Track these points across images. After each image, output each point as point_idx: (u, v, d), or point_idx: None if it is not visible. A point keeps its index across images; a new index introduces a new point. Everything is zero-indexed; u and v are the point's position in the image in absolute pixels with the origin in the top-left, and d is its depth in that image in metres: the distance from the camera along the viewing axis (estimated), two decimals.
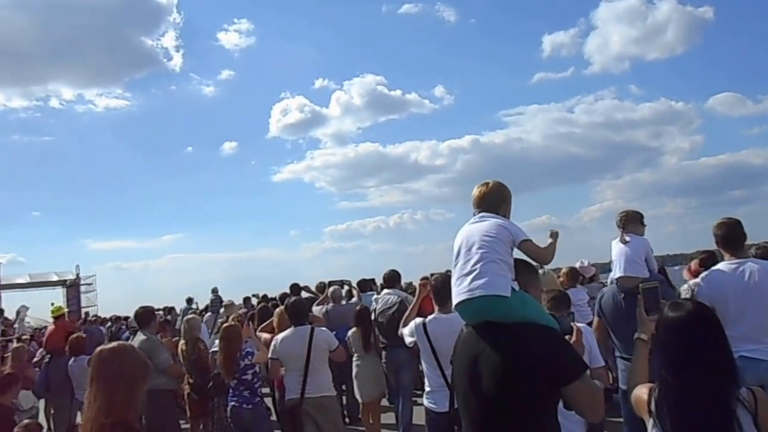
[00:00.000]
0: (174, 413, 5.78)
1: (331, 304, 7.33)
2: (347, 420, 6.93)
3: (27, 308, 17.39)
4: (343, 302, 7.48)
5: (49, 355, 7.34)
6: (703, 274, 3.54)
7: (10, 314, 17.80)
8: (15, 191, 51.31)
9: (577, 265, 7.06)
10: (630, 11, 70.78)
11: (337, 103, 59.53)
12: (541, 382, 1.97)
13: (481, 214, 2.30)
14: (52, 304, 10.20)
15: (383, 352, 6.24)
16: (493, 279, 2.06)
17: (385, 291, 6.54)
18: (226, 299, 10.94)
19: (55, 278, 26.96)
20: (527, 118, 73.22)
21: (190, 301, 13.57)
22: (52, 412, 7.22)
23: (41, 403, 6.89)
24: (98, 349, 2.32)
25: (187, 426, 6.27)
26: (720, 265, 3.44)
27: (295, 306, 4.98)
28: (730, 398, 1.74)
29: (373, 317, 6.35)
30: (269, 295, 9.89)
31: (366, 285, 8.57)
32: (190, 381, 5.94)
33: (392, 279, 6.69)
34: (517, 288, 2.11)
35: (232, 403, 4.87)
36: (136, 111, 56.54)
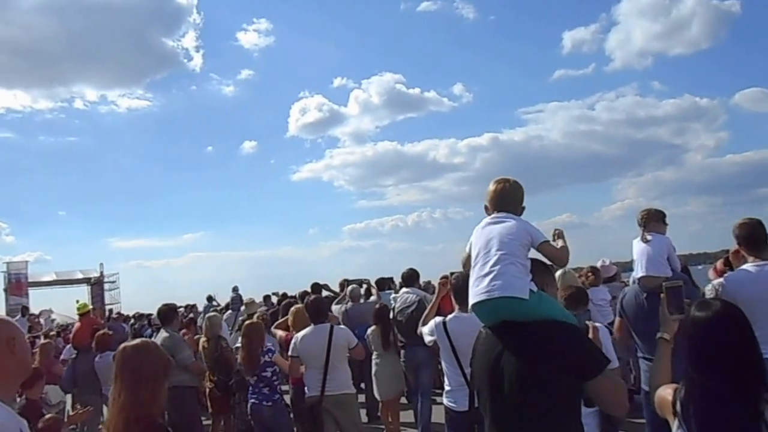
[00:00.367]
0: (196, 409, 5.86)
1: (349, 303, 7.36)
2: (366, 418, 6.96)
3: (50, 311, 17.83)
4: (362, 301, 7.50)
5: (75, 351, 7.51)
6: (727, 274, 3.47)
7: (37, 311, 18.25)
8: (42, 191, 52.66)
9: (598, 264, 6.97)
10: (653, 6, 69.55)
11: (355, 102, 59.71)
12: (563, 378, 1.96)
13: (499, 214, 2.26)
14: (77, 301, 10.40)
15: (402, 351, 6.24)
16: (512, 281, 2.05)
17: (404, 290, 6.55)
18: (246, 297, 11.08)
19: (80, 276, 27.55)
20: (547, 116, 72.49)
21: (210, 299, 13.76)
22: (78, 407, 7.37)
23: (69, 399, 7.04)
24: (122, 346, 2.37)
25: (209, 422, 6.36)
26: (746, 266, 3.36)
27: (315, 304, 5.01)
28: (758, 399, 1.71)
29: (391, 316, 6.36)
30: (288, 294, 9.96)
31: (384, 284, 8.59)
32: (212, 378, 6.02)
33: (411, 278, 6.69)
34: (535, 289, 2.09)
35: (252, 400, 4.93)
36: (158, 111, 57.47)
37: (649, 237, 3.82)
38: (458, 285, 3.84)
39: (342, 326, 5.05)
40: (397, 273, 7.96)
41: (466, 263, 2.32)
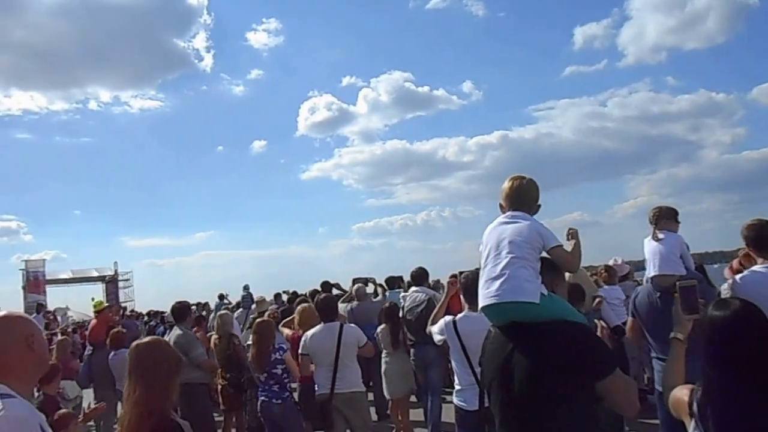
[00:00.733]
0: (208, 406, 5.92)
1: (355, 302, 7.38)
2: (376, 416, 6.97)
3: (66, 309, 18.14)
4: (371, 300, 7.52)
5: (91, 348, 7.63)
6: (740, 275, 3.42)
7: (54, 307, 18.56)
8: (58, 191, 53.38)
9: (611, 262, 6.92)
10: (667, 0, 68.53)
11: (364, 101, 59.49)
12: (574, 378, 1.95)
13: (514, 213, 2.23)
14: (93, 299, 10.57)
15: (412, 350, 6.25)
16: (522, 285, 2.04)
17: (413, 289, 6.54)
18: (256, 296, 11.15)
19: (95, 274, 27.95)
20: (558, 113, 71.86)
21: (222, 297, 13.85)
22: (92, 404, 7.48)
23: (91, 394, 7.14)
24: (134, 343, 2.41)
25: (220, 419, 6.42)
26: (755, 267, 3.30)
27: (324, 302, 5.04)
28: None
29: (401, 314, 6.37)
30: (298, 292, 10.01)
31: (394, 282, 8.59)
32: (224, 375, 6.08)
33: (420, 276, 6.68)
34: (545, 291, 2.08)
35: (262, 397, 4.96)
36: (169, 111, 57.89)
37: (661, 235, 3.78)
38: (467, 284, 3.83)
39: (352, 324, 5.07)
40: (406, 272, 7.97)
41: None
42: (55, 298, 24.19)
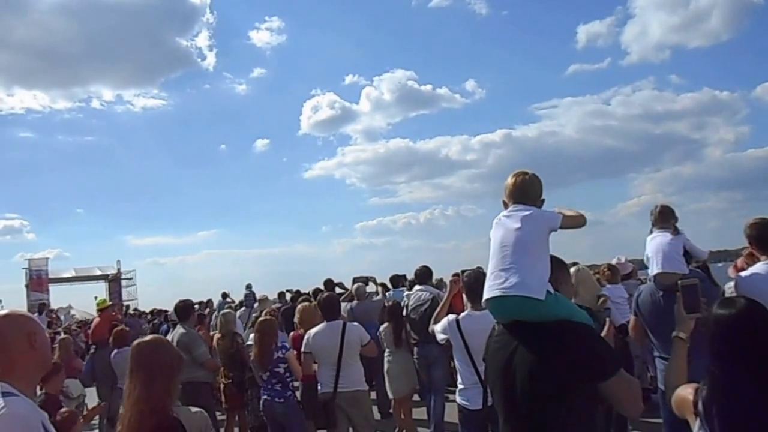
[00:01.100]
0: (211, 405, 5.92)
1: (355, 301, 7.37)
2: (379, 415, 6.97)
3: (69, 307, 18.21)
4: (372, 299, 7.52)
5: (94, 346, 7.65)
6: (743, 273, 3.40)
7: (57, 306, 18.64)
8: (61, 189, 53.53)
9: (614, 261, 6.90)
10: None
11: (367, 99, 59.44)
12: (577, 378, 1.94)
13: (516, 206, 2.20)
14: (96, 297, 10.60)
15: (415, 348, 6.24)
16: (529, 280, 2.02)
17: (417, 287, 6.53)
18: (259, 294, 11.16)
19: (98, 273, 28.05)
20: (561, 111, 71.53)
21: (225, 295, 13.86)
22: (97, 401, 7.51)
23: (94, 392, 7.17)
24: (136, 342, 2.41)
25: (223, 417, 6.42)
26: (758, 266, 3.28)
27: (327, 301, 5.03)
28: None
29: (404, 313, 6.36)
30: (302, 291, 10.02)
31: (398, 281, 8.59)
32: (227, 374, 6.08)
33: (423, 275, 6.67)
34: (551, 290, 2.06)
35: (265, 396, 4.96)
36: (172, 110, 57.92)
37: (666, 233, 3.79)
38: (470, 283, 3.82)
39: (355, 323, 5.06)
40: (409, 270, 7.95)
41: None
42: (58, 296, 24.31)
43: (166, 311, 14.82)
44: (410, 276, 7.70)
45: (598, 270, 6.62)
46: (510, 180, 2.28)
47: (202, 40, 61.67)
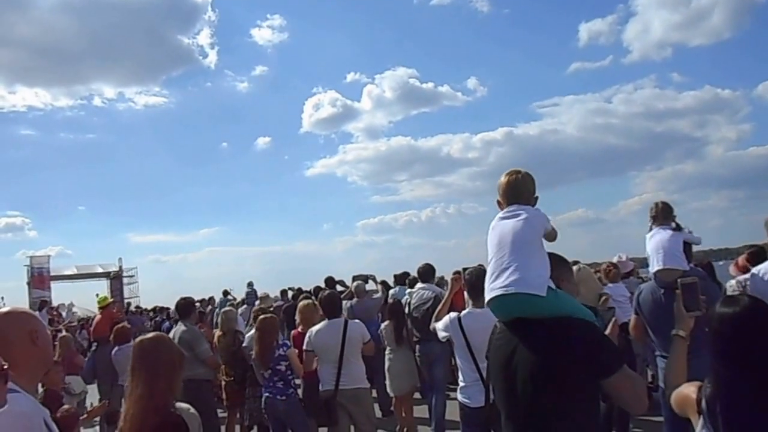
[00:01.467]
0: (212, 402, 5.93)
1: (355, 299, 7.37)
2: (380, 413, 6.97)
3: (71, 305, 18.26)
4: (372, 296, 7.53)
5: (96, 343, 7.66)
6: (755, 269, 3.40)
7: (58, 303, 18.67)
8: (62, 187, 53.76)
9: (615, 259, 6.88)
10: None
11: (368, 97, 59.73)
12: (580, 375, 1.94)
13: (511, 207, 2.21)
14: (97, 294, 10.61)
15: (417, 346, 6.24)
16: (529, 277, 2.02)
17: (420, 285, 6.52)
18: (261, 292, 11.17)
19: (99, 270, 28.12)
20: (563, 109, 71.71)
21: (226, 293, 13.89)
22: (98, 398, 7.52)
23: (95, 389, 7.18)
24: (138, 339, 2.41)
25: (224, 415, 6.43)
26: None
27: (328, 299, 5.02)
28: None
29: (406, 311, 6.36)
30: (303, 288, 10.03)
31: (403, 278, 8.59)
32: (228, 371, 6.09)
33: (426, 273, 6.64)
34: (553, 286, 2.06)
35: (267, 394, 4.96)
36: (174, 108, 58.16)
37: (666, 230, 3.79)
38: (472, 280, 3.82)
39: (356, 321, 5.07)
40: (410, 268, 7.94)
41: None
42: (59, 294, 24.35)
43: (167, 309, 14.85)
44: (413, 274, 7.70)
45: (598, 268, 6.61)
46: (503, 179, 2.28)
47: (204, 37, 62.02)
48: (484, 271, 2.29)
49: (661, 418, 3.77)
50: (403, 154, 62.85)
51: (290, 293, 10.72)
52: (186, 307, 6.08)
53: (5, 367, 1.41)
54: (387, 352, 6.27)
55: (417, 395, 6.88)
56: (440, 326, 4.04)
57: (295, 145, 64.79)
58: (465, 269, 4.01)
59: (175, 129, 62.99)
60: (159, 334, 2.56)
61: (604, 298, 4.47)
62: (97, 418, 5.42)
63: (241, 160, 62.36)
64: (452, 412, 5.16)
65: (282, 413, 4.93)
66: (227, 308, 7.39)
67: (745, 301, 1.84)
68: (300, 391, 5.26)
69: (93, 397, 7.09)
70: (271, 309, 8.38)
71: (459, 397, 3.93)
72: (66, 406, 3.95)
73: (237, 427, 6.36)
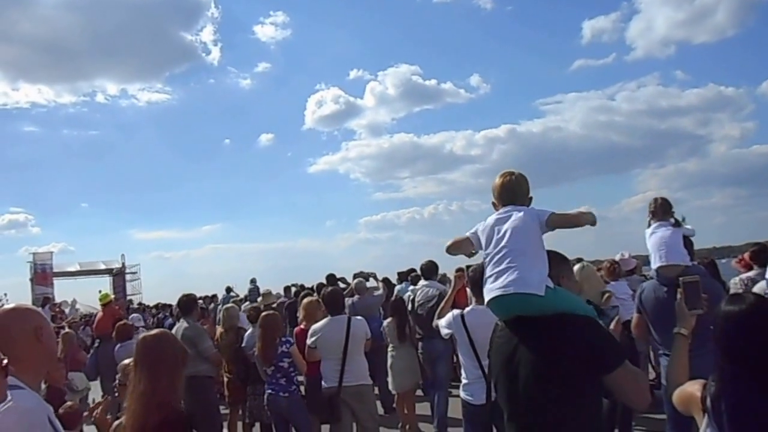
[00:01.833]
0: (215, 399, 5.93)
1: (356, 296, 7.38)
2: (382, 410, 6.98)
3: (74, 301, 18.31)
4: (373, 294, 7.53)
5: (98, 340, 7.68)
6: None
7: (61, 300, 18.71)
8: (65, 184, 53.75)
9: (618, 257, 6.86)
10: None
11: (371, 94, 59.52)
12: (582, 372, 1.94)
13: (506, 208, 2.21)
14: (100, 291, 10.62)
15: (420, 343, 6.24)
16: (527, 277, 2.02)
17: (423, 283, 6.52)
18: (263, 289, 11.19)
19: (102, 267, 28.14)
20: (566, 107, 71.34)
21: (229, 290, 13.92)
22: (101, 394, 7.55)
23: (98, 386, 7.21)
24: (141, 336, 2.42)
25: (226, 411, 6.45)
26: None
27: (331, 295, 5.03)
28: None
29: (410, 308, 6.36)
30: (306, 285, 10.04)
31: (407, 275, 8.61)
32: (230, 368, 6.10)
33: (429, 270, 6.64)
34: (551, 284, 2.06)
35: (269, 390, 4.97)
36: (177, 105, 58.04)
37: (666, 226, 3.79)
38: (475, 278, 3.81)
39: (359, 317, 5.07)
40: (413, 265, 7.96)
41: (452, 247, 2.33)
42: (62, 290, 24.37)
43: (170, 305, 14.88)
44: (418, 271, 7.71)
45: (601, 266, 6.59)
46: (498, 181, 2.28)
47: (207, 34, 61.56)
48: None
49: (663, 416, 3.77)
50: (405, 151, 62.78)
51: (293, 290, 10.74)
52: (188, 303, 6.07)
53: (5, 362, 1.41)
54: (390, 349, 6.27)
55: (419, 392, 6.89)
56: (443, 323, 4.04)
57: (297, 142, 64.68)
58: (468, 266, 4.00)
59: (178, 126, 62.95)
60: (162, 331, 2.56)
61: (607, 295, 4.47)
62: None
63: (243, 156, 62.31)
64: (454, 410, 5.16)
65: (284, 410, 4.93)
66: (229, 305, 7.39)
67: (751, 300, 1.84)
68: (303, 388, 5.27)
69: (96, 393, 7.11)
70: (274, 306, 8.41)
71: (461, 394, 3.94)
72: (69, 403, 3.95)
73: (239, 424, 6.37)
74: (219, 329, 6.46)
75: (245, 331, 6.16)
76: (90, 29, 46.85)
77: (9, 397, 1.63)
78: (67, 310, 16.72)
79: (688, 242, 3.85)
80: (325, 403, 4.68)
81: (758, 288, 4.02)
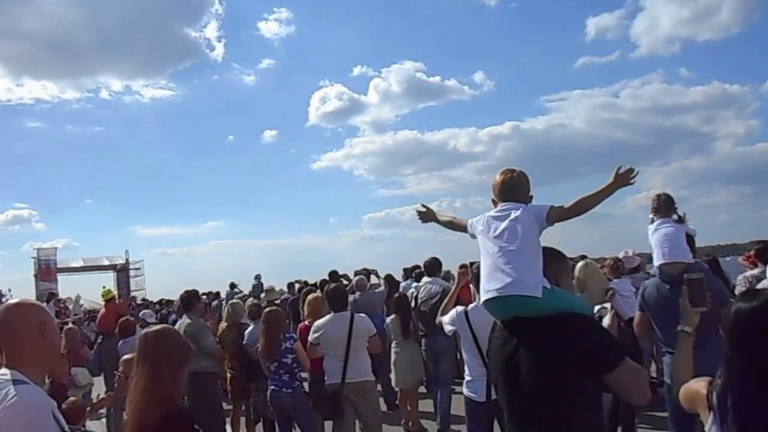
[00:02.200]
0: (218, 395, 5.95)
1: (357, 293, 7.38)
2: (385, 406, 6.98)
3: (78, 297, 18.38)
4: (378, 290, 7.53)
5: (101, 336, 7.71)
6: None
7: (65, 295, 18.78)
8: (69, 179, 53.72)
9: (621, 254, 6.83)
10: None
11: (375, 91, 59.16)
12: (582, 371, 1.93)
13: (504, 205, 2.19)
14: (104, 287, 10.66)
15: (423, 340, 6.24)
16: (524, 278, 2.00)
17: (426, 279, 6.51)
18: (266, 285, 11.21)
19: (106, 263, 28.19)
20: (570, 104, 71.07)
21: (233, 286, 13.94)
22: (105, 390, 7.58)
23: (101, 382, 7.24)
24: (144, 331, 2.42)
25: (229, 407, 6.47)
26: None
27: (335, 292, 5.02)
28: None
29: (413, 305, 6.36)
30: (309, 282, 10.05)
31: (412, 272, 8.61)
32: (233, 364, 6.11)
33: (432, 267, 6.63)
34: (548, 285, 2.04)
35: (272, 387, 4.98)
36: (180, 101, 57.89)
37: (667, 223, 3.77)
38: (478, 274, 3.80)
39: (362, 314, 5.07)
40: (416, 262, 7.96)
41: (450, 223, 2.48)
42: (66, 286, 24.40)
43: (174, 301, 14.90)
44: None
45: (603, 264, 6.57)
46: (498, 179, 2.27)
47: (211, 30, 61.53)
48: None
49: (666, 413, 3.76)
50: (409, 148, 62.58)
51: (297, 286, 10.75)
52: (189, 299, 6.09)
53: None
54: (393, 345, 6.28)
55: (422, 389, 6.90)
56: (447, 320, 4.03)
57: (301, 139, 64.56)
58: (472, 263, 4.00)
59: (182, 122, 62.86)
60: (164, 326, 2.56)
61: (611, 292, 4.46)
62: (104, 410, 5.47)
63: (247, 153, 62.20)
64: (457, 407, 5.16)
65: (288, 406, 4.94)
66: (234, 300, 7.40)
67: (765, 296, 1.83)
68: (306, 385, 5.28)
69: (99, 389, 7.15)
70: (277, 302, 8.43)
71: (465, 391, 3.94)
72: (72, 398, 3.97)
73: (242, 420, 6.39)
74: (222, 325, 6.47)
75: (246, 327, 6.18)
76: (94, 25, 46.90)
77: (14, 392, 1.64)
78: (71, 306, 16.78)
79: (690, 239, 3.83)
80: (328, 400, 4.69)
81: (762, 286, 4.00)
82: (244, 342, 5.90)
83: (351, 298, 7.19)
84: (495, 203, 2.26)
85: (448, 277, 7.61)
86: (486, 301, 2.11)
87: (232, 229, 57.27)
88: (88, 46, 47.99)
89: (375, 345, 4.91)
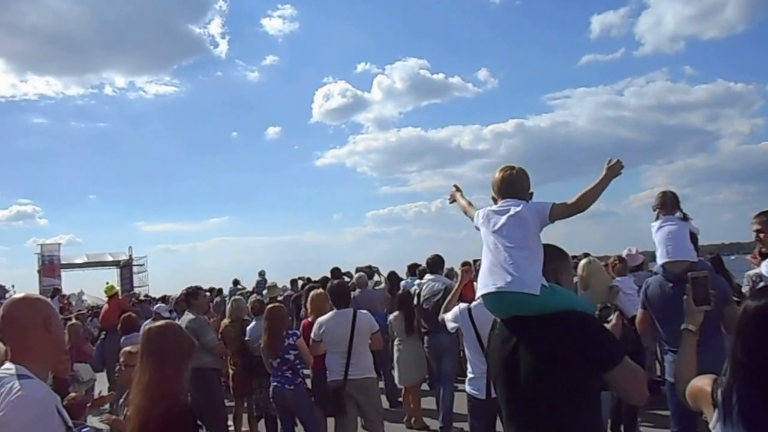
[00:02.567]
0: (220, 391, 5.97)
1: (358, 290, 7.38)
2: (387, 403, 6.99)
3: (81, 293, 18.45)
4: (379, 287, 7.53)
5: (104, 332, 7.75)
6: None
7: (69, 291, 18.86)
8: (73, 175, 54.05)
9: (625, 252, 6.82)
10: None
11: (379, 88, 59.34)
12: (582, 370, 1.92)
13: (505, 201, 2.18)
14: (107, 283, 10.70)
15: (425, 337, 6.24)
16: (524, 276, 1.99)
17: (428, 277, 6.51)
18: (269, 282, 11.21)
19: (109, 259, 28.31)
20: (574, 102, 70.96)
21: (236, 282, 13.96)
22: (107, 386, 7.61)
23: (104, 377, 7.28)
24: (147, 327, 2.42)
25: (231, 404, 6.48)
26: None
27: (337, 289, 5.03)
28: None
29: (416, 302, 6.36)
30: (312, 278, 10.06)
31: (414, 269, 8.62)
32: (236, 360, 6.12)
33: (435, 264, 6.63)
34: (547, 284, 2.02)
35: (275, 383, 4.98)
36: (184, 97, 58.16)
37: (670, 221, 3.76)
38: None
39: (365, 311, 5.07)
40: (419, 259, 7.95)
41: (461, 207, 2.47)
42: (69, 282, 24.54)
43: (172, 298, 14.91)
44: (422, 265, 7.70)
45: (606, 262, 6.56)
46: (497, 175, 2.25)
47: (215, 27, 61.77)
48: None
49: (668, 412, 3.76)
50: (413, 145, 62.62)
51: (300, 283, 10.76)
52: (189, 296, 6.10)
53: None
54: (396, 342, 6.28)
55: (425, 386, 6.90)
56: (450, 317, 4.03)
57: (305, 135, 64.74)
58: (475, 261, 4.00)
59: (186, 118, 63.10)
60: (167, 322, 2.57)
61: (614, 290, 4.45)
62: (106, 405, 5.50)
63: (251, 149, 62.33)
64: (460, 404, 5.17)
65: (290, 402, 4.95)
66: (237, 297, 7.41)
67: None
68: (309, 381, 5.28)
69: (102, 384, 7.18)
70: (280, 299, 8.44)
71: (467, 388, 3.94)
72: (73, 394, 3.98)
73: (245, 417, 6.41)
74: (225, 321, 6.48)
75: (248, 323, 6.19)
76: (98, 21, 46.99)
77: (19, 387, 1.64)
78: (74, 303, 16.84)
79: (693, 237, 3.82)
80: (330, 396, 4.69)
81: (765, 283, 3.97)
82: (247, 338, 5.91)
83: (352, 295, 7.21)
84: (495, 201, 2.24)
85: (451, 274, 7.61)
86: (483, 296, 2.11)
87: (235, 225, 57.49)
88: (92, 42, 48.10)
89: (377, 342, 4.91)
